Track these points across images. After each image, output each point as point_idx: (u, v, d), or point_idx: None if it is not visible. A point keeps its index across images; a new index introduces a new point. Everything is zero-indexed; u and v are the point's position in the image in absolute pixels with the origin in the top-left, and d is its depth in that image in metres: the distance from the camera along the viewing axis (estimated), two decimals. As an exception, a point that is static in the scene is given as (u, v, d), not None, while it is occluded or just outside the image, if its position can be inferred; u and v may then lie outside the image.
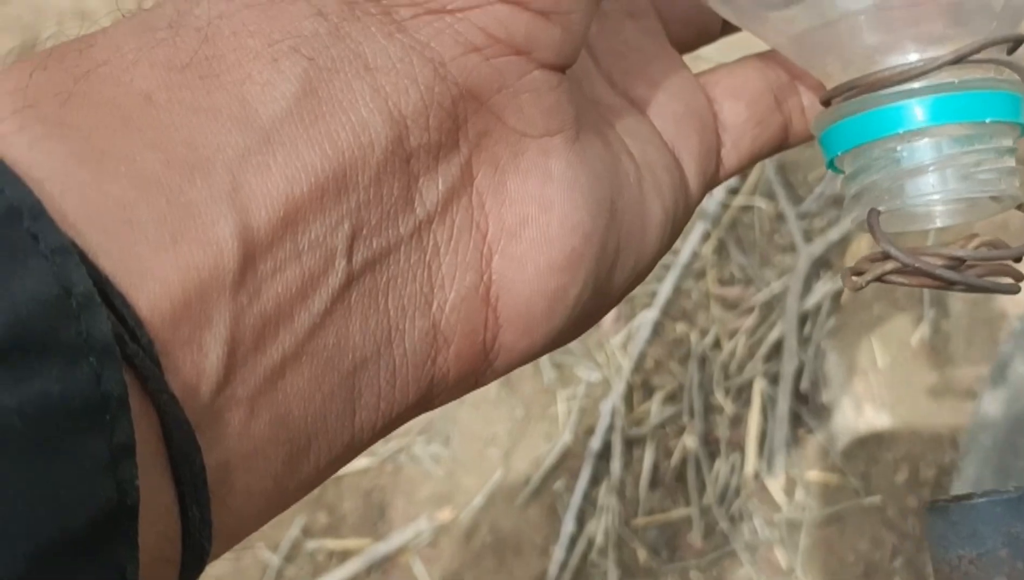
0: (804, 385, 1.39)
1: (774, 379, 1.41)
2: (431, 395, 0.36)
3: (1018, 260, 0.39)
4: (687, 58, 0.45)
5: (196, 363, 0.29)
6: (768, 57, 0.44)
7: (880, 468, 1.34)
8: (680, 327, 1.45)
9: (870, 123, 0.39)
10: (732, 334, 1.44)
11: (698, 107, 0.43)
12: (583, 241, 0.37)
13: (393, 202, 0.33)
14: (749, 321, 1.44)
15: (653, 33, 0.44)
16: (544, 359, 1.43)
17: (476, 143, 0.35)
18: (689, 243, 1.46)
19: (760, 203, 1.48)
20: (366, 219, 0.33)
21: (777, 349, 1.42)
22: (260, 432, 0.31)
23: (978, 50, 0.38)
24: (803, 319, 1.42)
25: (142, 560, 0.28)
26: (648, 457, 1.40)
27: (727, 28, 0.45)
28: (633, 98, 0.42)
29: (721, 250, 1.48)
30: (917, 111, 0.38)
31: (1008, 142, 0.39)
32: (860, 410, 1.36)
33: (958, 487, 1.11)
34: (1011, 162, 0.39)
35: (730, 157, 0.44)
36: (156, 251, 0.29)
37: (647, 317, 1.43)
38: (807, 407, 1.39)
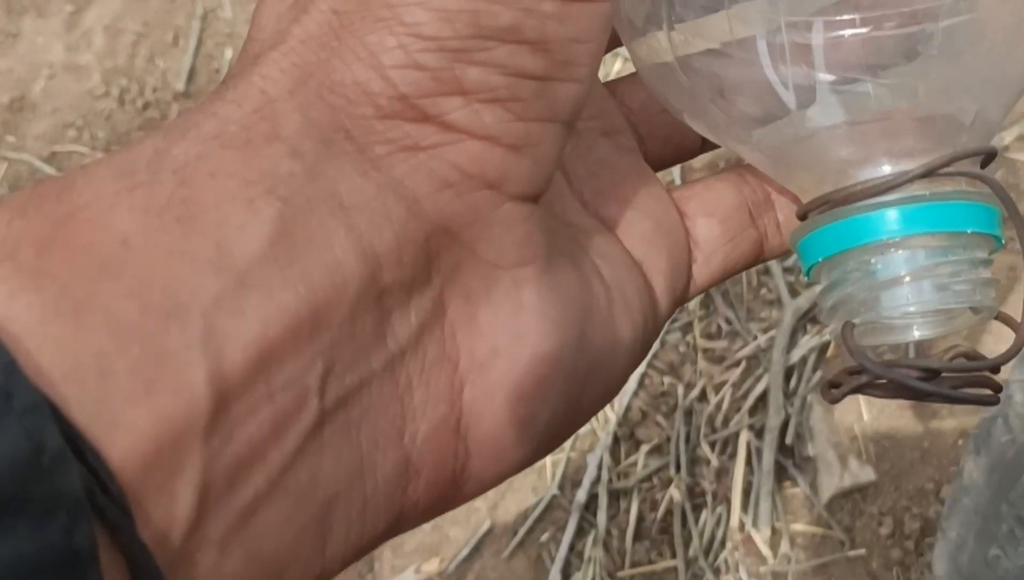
0: (790, 438, 1.40)
1: (760, 432, 1.41)
2: (401, 522, 0.36)
3: (995, 371, 0.39)
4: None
5: (167, 509, 0.29)
6: (744, 172, 0.45)
7: (865, 521, 1.34)
8: (667, 380, 1.45)
9: (844, 234, 0.39)
10: (718, 387, 1.44)
11: (669, 224, 0.43)
12: (553, 370, 0.37)
13: (366, 338, 0.34)
14: (735, 374, 1.44)
15: (627, 150, 0.44)
16: (531, 411, 1.43)
17: (449, 276, 0.36)
18: (676, 296, 1.47)
19: (746, 257, 1.48)
20: (339, 356, 0.33)
21: (763, 402, 1.42)
22: (232, 570, 0.31)
23: (948, 163, 0.39)
24: (789, 373, 1.43)
25: None
26: (634, 509, 1.40)
27: (707, 145, 0.46)
28: (604, 217, 0.42)
29: (708, 304, 1.48)
30: (889, 222, 0.39)
31: (983, 253, 0.39)
32: (845, 463, 1.36)
33: (941, 550, 1.11)
34: (986, 273, 0.40)
35: (701, 273, 0.44)
36: (129, 401, 0.29)
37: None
38: (792, 460, 1.40)
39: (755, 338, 1.45)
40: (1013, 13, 0.40)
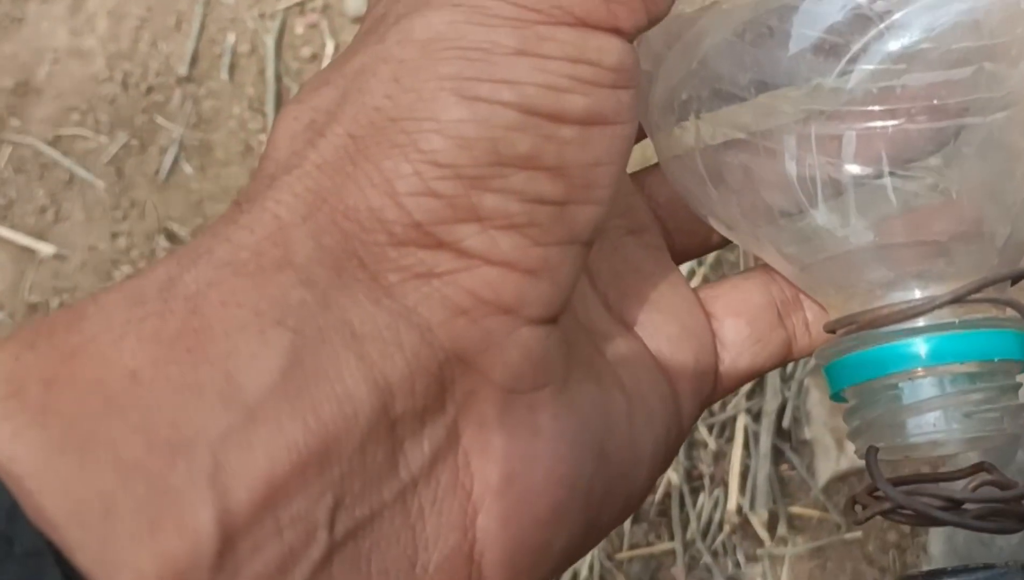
0: (787, 422, 1.40)
1: (757, 416, 1.41)
2: None
3: (1020, 499, 0.39)
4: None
5: None
6: (772, 270, 0.44)
7: (861, 504, 1.34)
8: (665, 364, 1.45)
9: (872, 360, 0.39)
10: (716, 371, 1.44)
11: (696, 327, 0.42)
12: (568, 494, 0.36)
13: (377, 468, 0.33)
14: (733, 358, 1.44)
15: (653, 248, 0.43)
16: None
17: (462, 403, 0.35)
18: (674, 280, 1.46)
19: (745, 241, 1.48)
20: (349, 488, 0.32)
21: (760, 386, 1.42)
22: None
23: (978, 289, 0.38)
24: (786, 357, 1.43)
25: None
26: (632, 492, 1.41)
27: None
28: (628, 321, 0.41)
29: (706, 289, 1.48)
30: (918, 350, 0.39)
31: (1011, 380, 0.39)
32: (841, 446, 1.37)
33: (937, 530, 1.12)
34: (1015, 399, 0.39)
35: (728, 375, 0.43)
36: (134, 542, 0.29)
37: (632, 353, 1.43)
38: (789, 443, 1.40)
39: (753, 322, 1.45)
40: None
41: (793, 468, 1.39)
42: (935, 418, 0.39)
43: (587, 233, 0.36)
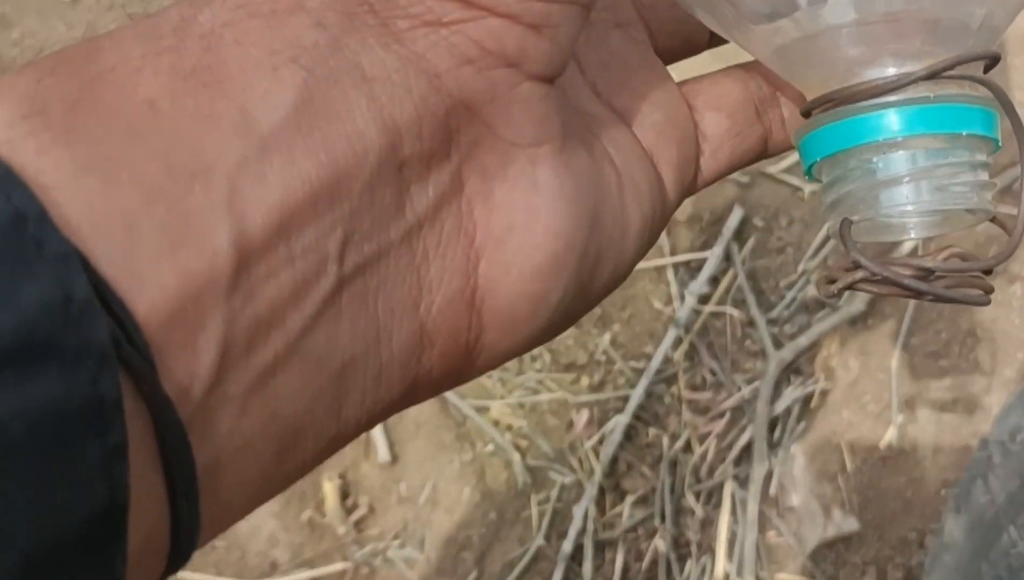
0: (773, 488, 1.40)
1: (744, 482, 1.41)
2: (415, 391, 0.37)
3: (988, 273, 0.40)
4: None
5: (189, 365, 0.30)
6: (751, 68, 0.46)
7: (848, 570, 1.34)
8: (652, 431, 1.45)
9: (847, 132, 0.40)
10: (703, 438, 1.44)
11: (679, 117, 0.44)
12: (566, 248, 0.38)
13: (385, 208, 0.34)
14: (720, 425, 1.44)
15: (639, 43, 0.45)
16: (518, 462, 1.43)
17: (467, 152, 0.36)
18: (661, 349, 1.47)
19: (731, 310, 1.49)
20: (358, 225, 0.33)
21: (747, 453, 1.42)
22: (250, 429, 0.32)
23: (952, 66, 0.39)
24: (773, 423, 1.43)
25: (131, 552, 0.29)
26: (619, 559, 1.40)
27: (715, 40, 0.46)
28: (616, 108, 0.43)
29: (692, 356, 1.48)
30: (892, 122, 0.39)
31: (981, 156, 0.40)
32: (829, 513, 1.37)
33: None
34: (984, 176, 0.40)
35: (708, 166, 0.45)
36: (155, 257, 0.29)
37: (619, 421, 1.44)
38: (776, 510, 1.40)
39: (739, 389, 1.46)
40: None
41: (780, 535, 1.39)
42: (908, 190, 0.40)
43: None
